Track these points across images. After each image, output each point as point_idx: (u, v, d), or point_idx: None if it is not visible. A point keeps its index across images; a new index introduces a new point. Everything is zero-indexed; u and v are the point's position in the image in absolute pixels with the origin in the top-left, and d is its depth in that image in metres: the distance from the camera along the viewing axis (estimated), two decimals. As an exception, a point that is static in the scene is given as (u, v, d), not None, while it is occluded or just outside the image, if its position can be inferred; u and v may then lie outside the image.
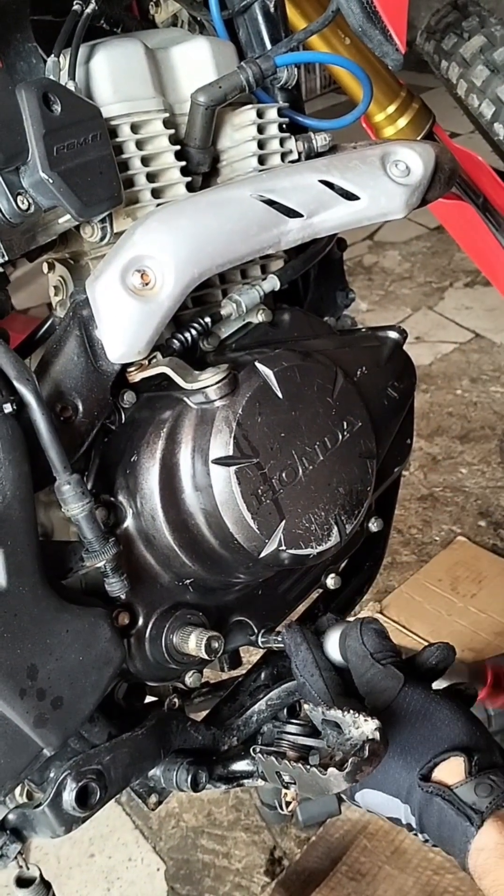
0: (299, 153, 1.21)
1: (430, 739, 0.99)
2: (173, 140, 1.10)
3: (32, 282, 3.72)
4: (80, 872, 2.05)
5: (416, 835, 1.01)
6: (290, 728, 1.06)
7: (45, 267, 1.21)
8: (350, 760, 0.88)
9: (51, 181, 0.92)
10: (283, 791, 1.03)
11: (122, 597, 1.01)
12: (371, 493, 1.16)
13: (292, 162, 1.20)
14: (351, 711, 0.92)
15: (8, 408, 0.89)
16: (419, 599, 2.54)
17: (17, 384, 0.90)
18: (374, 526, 1.31)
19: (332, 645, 1.10)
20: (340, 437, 1.11)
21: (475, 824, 0.92)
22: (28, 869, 1.01)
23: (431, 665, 1.12)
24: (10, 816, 0.99)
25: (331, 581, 1.29)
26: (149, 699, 1.18)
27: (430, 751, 0.98)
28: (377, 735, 0.89)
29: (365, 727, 0.91)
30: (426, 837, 0.99)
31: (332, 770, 0.89)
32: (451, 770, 0.97)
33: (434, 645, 1.15)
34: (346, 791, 1.00)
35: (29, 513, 0.90)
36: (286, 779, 1.00)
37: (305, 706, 1.03)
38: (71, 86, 0.99)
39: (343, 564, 1.36)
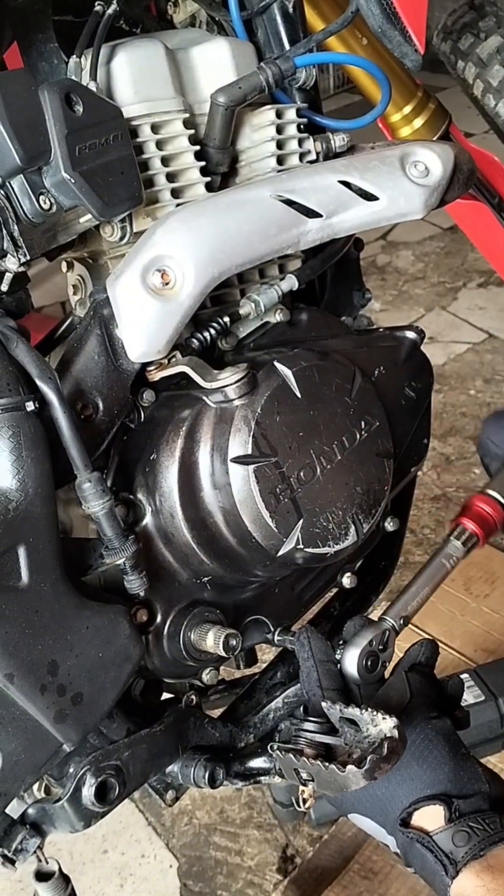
0: (317, 153, 1.22)
1: (416, 781, 1.01)
2: (193, 140, 1.11)
3: (47, 280, 3.73)
4: (94, 868, 2.06)
5: (405, 866, 1.04)
6: (308, 725, 1.07)
7: (63, 266, 1.22)
8: (368, 758, 0.89)
9: (73, 181, 0.93)
10: (301, 788, 1.03)
11: (141, 594, 1.02)
12: (388, 493, 1.17)
13: (311, 162, 1.20)
14: (369, 709, 0.93)
15: (30, 406, 0.90)
16: (432, 599, 2.53)
17: (39, 382, 0.91)
18: (390, 525, 1.31)
19: (352, 658, 1.12)
20: (358, 436, 1.11)
21: (450, 875, 0.94)
22: (47, 863, 1.02)
23: (420, 661, 1.18)
24: (30, 811, 0.99)
25: (347, 580, 1.29)
26: (165, 696, 1.19)
27: (413, 793, 1.00)
28: (395, 733, 0.89)
29: (383, 725, 0.91)
30: (415, 871, 1.02)
31: (350, 767, 0.90)
32: (432, 815, 0.98)
33: (418, 643, 1.20)
34: (343, 807, 1.05)
35: (50, 510, 0.91)
36: (304, 776, 1.00)
37: (323, 704, 1.03)
38: (92, 86, 1.00)
39: (359, 563, 1.36)
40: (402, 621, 1.23)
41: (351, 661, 1.11)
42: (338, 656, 1.12)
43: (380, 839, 1.05)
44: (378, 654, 1.14)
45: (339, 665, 1.11)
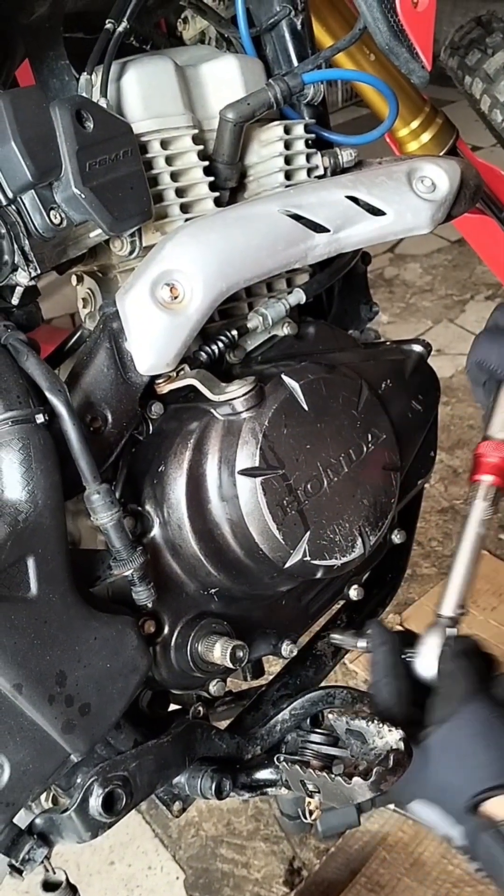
0: (325, 168, 1.23)
1: (487, 768, 0.97)
2: (202, 156, 1.12)
3: (55, 292, 3.75)
4: (100, 880, 2.06)
5: (469, 860, 1.00)
6: (314, 737, 1.07)
7: (73, 279, 1.23)
8: (375, 770, 0.89)
9: (83, 196, 0.94)
10: (307, 800, 1.04)
11: (149, 605, 1.02)
12: (395, 505, 1.17)
13: (318, 177, 1.21)
14: (375, 721, 0.93)
15: (40, 418, 0.91)
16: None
17: (48, 395, 0.92)
18: (397, 538, 1.32)
19: (431, 665, 1.10)
20: (365, 449, 1.12)
21: None
22: (54, 873, 1.02)
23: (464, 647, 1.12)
24: (38, 821, 1.00)
25: (354, 592, 1.29)
26: (172, 707, 1.19)
27: (485, 780, 0.96)
28: (401, 745, 0.90)
29: (389, 737, 0.92)
30: (479, 866, 0.98)
31: (356, 779, 0.90)
32: (502, 805, 0.95)
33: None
34: (405, 794, 1.01)
35: (59, 521, 0.92)
36: (310, 787, 1.01)
37: (329, 715, 1.04)
38: (103, 103, 1.01)
39: (366, 576, 1.37)
40: (460, 611, 1.15)
41: (430, 667, 1.10)
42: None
43: (441, 831, 1.01)
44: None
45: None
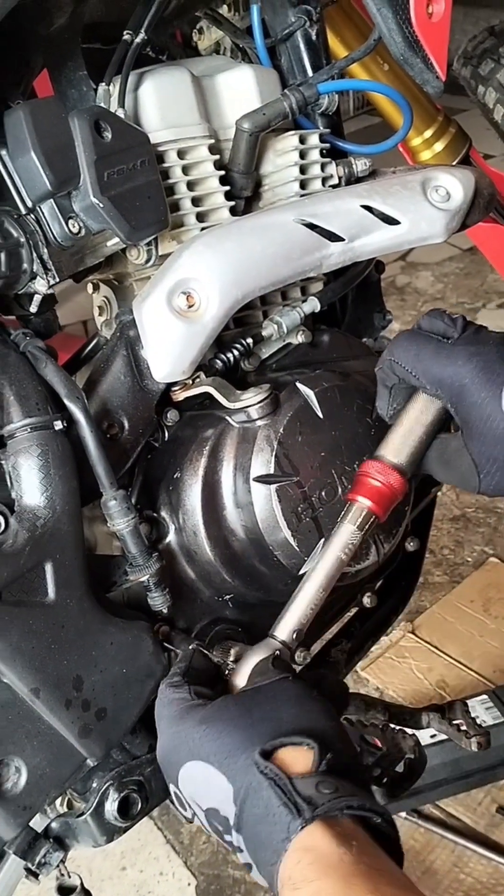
0: (340, 178, 1.23)
1: (286, 721, 0.84)
2: (218, 165, 1.13)
3: (69, 300, 3.77)
4: (112, 885, 2.06)
5: (228, 843, 0.83)
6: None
7: (90, 288, 1.24)
8: (388, 775, 0.89)
9: (101, 205, 0.95)
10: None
11: (164, 611, 1.03)
12: (409, 513, 1.18)
13: (333, 187, 1.22)
14: (389, 727, 0.93)
15: (59, 425, 0.92)
16: (451, 620, 2.54)
17: (67, 402, 0.93)
18: (410, 545, 1.32)
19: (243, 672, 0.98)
20: (380, 457, 1.12)
21: (303, 817, 0.74)
22: (69, 877, 1.03)
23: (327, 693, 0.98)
24: (54, 825, 1.00)
25: (367, 599, 1.30)
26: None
27: (282, 729, 0.83)
28: (416, 751, 0.90)
29: (403, 744, 0.92)
30: (238, 844, 0.81)
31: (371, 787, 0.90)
32: (298, 759, 0.81)
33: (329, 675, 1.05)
34: (174, 759, 0.87)
35: (77, 527, 0.93)
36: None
37: (343, 721, 1.04)
38: (120, 113, 1.02)
39: (379, 583, 1.37)
40: (294, 636, 1.00)
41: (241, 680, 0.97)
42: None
43: (207, 802, 0.84)
44: None
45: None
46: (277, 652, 0.97)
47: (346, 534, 1.00)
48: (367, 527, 1.01)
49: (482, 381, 0.96)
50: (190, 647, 1.00)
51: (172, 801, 0.93)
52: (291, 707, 0.86)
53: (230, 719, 0.84)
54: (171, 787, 0.90)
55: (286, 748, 0.81)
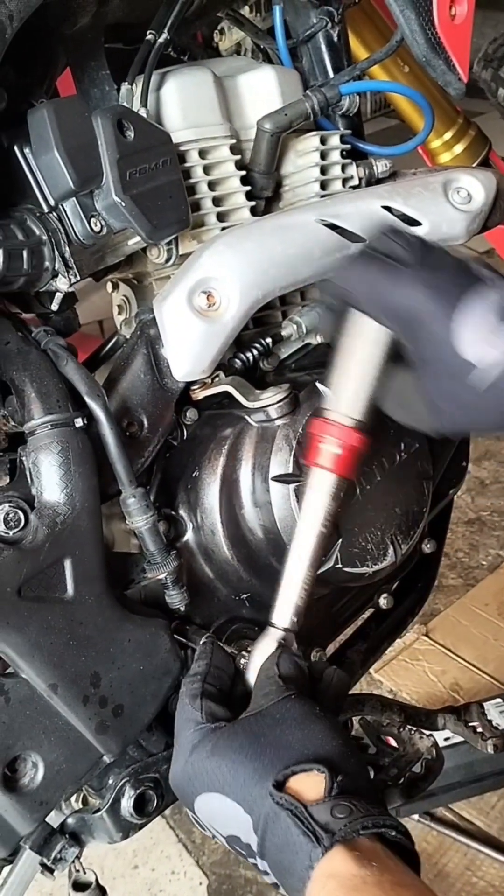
0: (360, 179, 1.23)
1: (296, 747, 0.85)
2: (239, 165, 1.13)
3: (84, 300, 3.77)
4: (124, 883, 2.06)
5: (254, 864, 0.85)
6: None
7: (109, 286, 1.24)
8: (405, 776, 0.89)
9: (123, 204, 0.95)
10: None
11: (182, 609, 1.04)
12: (427, 514, 1.18)
13: (353, 187, 1.22)
14: (406, 728, 0.93)
15: (79, 422, 0.92)
16: (465, 623, 2.54)
17: (87, 399, 0.93)
18: (427, 547, 1.32)
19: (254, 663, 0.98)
20: (398, 457, 1.12)
21: (323, 845, 0.76)
22: (84, 873, 1.03)
23: (329, 685, 0.99)
24: (70, 821, 1.01)
25: (383, 601, 1.30)
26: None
27: (292, 757, 0.84)
28: (433, 752, 0.90)
29: (420, 744, 0.92)
30: (264, 868, 0.83)
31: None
32: (311, 786, 0.82)
33: (333, 667, 1.03)
34: (189, 791, 0.88)
35: (96, 524, 0.93)
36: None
37: (360, 722, 1.04)
38: (143, 112, 1.03)
39: (395, 584, 1.37)
40: (294, 620, 0.99)
41: (255, 670, 0.97)
42: None
43: (228, 830, 0.86)
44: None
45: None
46: (283, 641, 0.96)
47: (320, 506, 0.95)
48: (340, 494, 0.96)
49: (435, 312, 0.89)
50: (207, 642, 0.99)
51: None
52: (297, 730, 0.86)
53: (240, 749, 0.85)
54: (188, 811, 0.91)
55: (298, 775, 0.82)
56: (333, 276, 0.94)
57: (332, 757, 0.83)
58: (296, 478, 1.03)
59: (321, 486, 0.95)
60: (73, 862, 1.01)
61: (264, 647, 0.97)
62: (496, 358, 0.86)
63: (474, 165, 1.81)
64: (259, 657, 0.96)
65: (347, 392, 0.94)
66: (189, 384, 1.07)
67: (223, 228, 1.11)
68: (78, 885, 1.03)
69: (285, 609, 0.98)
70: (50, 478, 0.90)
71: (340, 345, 0.95)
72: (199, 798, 0.87)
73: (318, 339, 1.19)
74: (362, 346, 0.93)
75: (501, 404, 0.89)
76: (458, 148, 1.79)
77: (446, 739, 1.95)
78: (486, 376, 0.86)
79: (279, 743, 0.85)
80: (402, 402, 0.97)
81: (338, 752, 0.84)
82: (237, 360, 1.11)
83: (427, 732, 0.93)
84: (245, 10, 1.34)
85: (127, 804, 1.00)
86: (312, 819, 0.78)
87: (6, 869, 1.05)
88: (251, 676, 0.96)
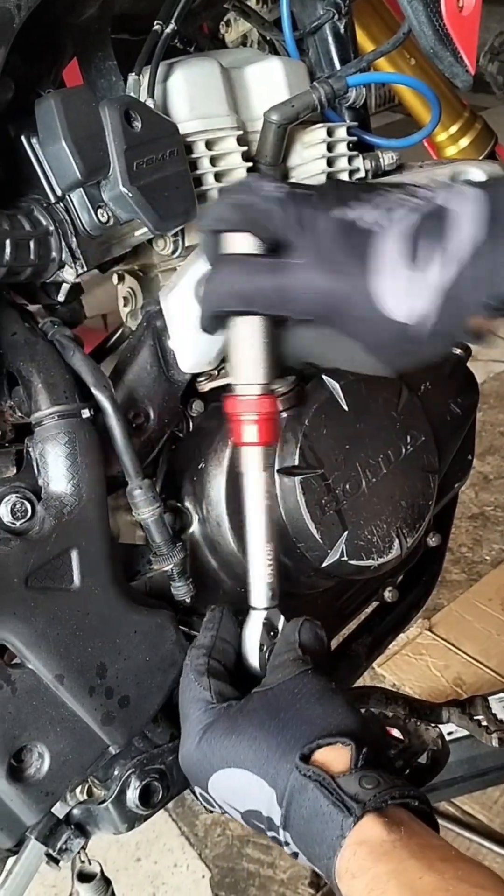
0: (367, 171, 1.23)
1: (318, 722, 0.86)
2: (246, 157, 1.13)
3: (87, 293, 3.77)
4: (126, 876, 2.07)
5: (273, 837, 0.87)
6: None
7: (115, 278, 1.24)
8: (411, 767, 0.89)
9: (130, 195, 0.95)
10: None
11: (188, 600, 1.03)
12: (432, 508, 1.18)
13: (360, 180, 1.22)
14: (412, 720, 0.93)
15: (86, 413, 0.92)
16: (469, 618, 2.54)
17: (94, 390, 0.93)
18: (432, 541, 1.32)
19: (253, 651, 0.99)
20: (404, 450, 1.12)
21: (354, 814, 0.78)
22: (90, 864, 1.03)
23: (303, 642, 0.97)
24: (75, 811, 1.01)
25: (388, 594, 1.30)
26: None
27: (315, 731, 0.85)
28: (439, 743, 0.90)
29: (426, 735, 0.92)
30: (286, 839, 0.85)
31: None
32: (336, 758, 0.84)
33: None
34: (205, 768, 0.89)
35: (103, 515, 0.93)
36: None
37: (365, 714, 1.04)
38: (150, 103, 1.02)
39: (400, 578, 1.37)
40: (271, 597, 0.98)
41: (253, 653, 0.98)
42: None
43: (246, 805, 0.87)
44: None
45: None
46: (266, 620, 0.97)
47: (258, 481, 0.96)
48: (270, 463, 0.97)
49: (350, 295, 0.85)
50: (215, 609, 0.99)
51: (195, 795, 0.94)
52: (317, 705, 0.88)
53: (260, 725, 0.86)
54: (197, 790, 0.92)
55: (322, 749, 0.84)
56: (209, 296, 0.91)
57: (355, 731, 0.85)
58: (301, 470, 1.03)
59: (252, 462, 0.95)
60: (79, 853, 1.01)
61: (251, 630, 0.98)
62: (424, 308, 0.83)
63: (480, 158, 1.80)
64: (250, 641, 0.98)
65: (242, 364, 0.93)
66: (195, 376, 1.06)
67: (230, 220, 1.11)
68: (83, 876, 1.03)
69: (259, 588, 0.98)
70: (57, 468, 0.90)
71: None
72: (216, 775, 0.88)
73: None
74: (241, 320, 0.92)
75: (445, 342, 0.88)
76: (464, 141, 1.79)
77: (449, 734, 1.94)
78: (422, 329, 0.84)
79: (300, 718, 0.86)
80: (348, 357, 0.94)
81: (359, 727, 0.86)
82: (243, 353, 1.10)
83: (433, 724, 0.93)
84: (252, 2, 1.33)
85: (132, 795, 1.00)
86: (342, 790, 0.80)
87: (10, 860, 1.06)
88: (250, 658, 0.97)
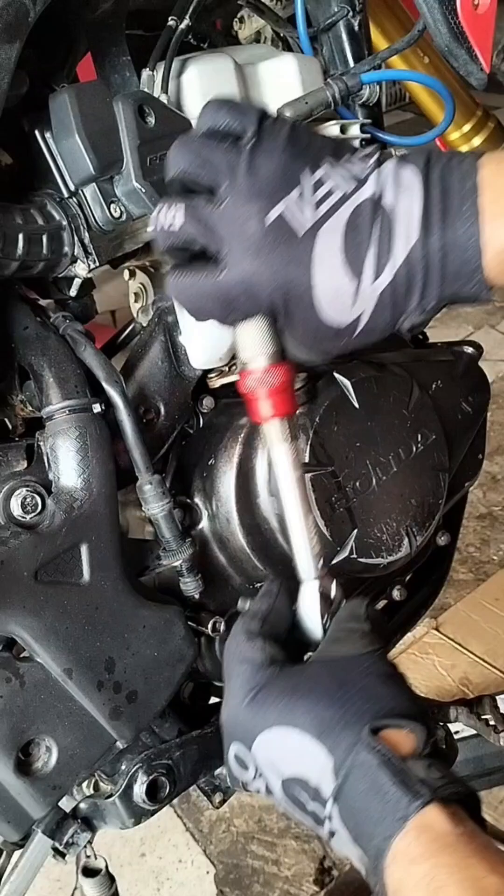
0: (379, 169, 1.23)
1: (386, 702, 0.83)
2: (259, 153, 1.13)
3: (97, 290, 3.78)
4: (131, 871, 2.07)
5: (311, 812, 0.83)
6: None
7: (126, 274, 1.24)
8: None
9: (143, 191, 0.95)
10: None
11: (196, 596, 1.04)
12: (442, 506, 1.17)
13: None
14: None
15: (97, 408, 0.92)
16: (476, 618, 2.53)
17: (105, 385, 0.93)
18: (441, 540, 1.32)
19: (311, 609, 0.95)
20: (414, 448, 1.12)
21: (423, 798, 0.76)
22: (95, 859, 1.03)
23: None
24: (82, 806, 1.01)
25: (397, 592, 1.30)
26: (213, 700, 1.20)
27: (383, 710, 0.82)
28: (446, 742, 0.90)
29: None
30: (329, 814, 0.81)
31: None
32: (400, 741, 0.81)
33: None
34: (249, 732, 0.85)
35: (113, 510, 0.94)
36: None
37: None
38: (164, 98, 1.02)
39: (409, 576, 1.37)
40: (321, 566, 0.95)
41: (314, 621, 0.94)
42: None
43: (294, 771, 0.83)
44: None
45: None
46: (322, 589, 0.93)
47: (284, 454, 0.92)
48: (293, 433, 0.92)
49: (298, 295, 0.82)
50: (275, 581, 0.94)
51: (225, 760, 0.88)
52: (385, 686, 0.85)
53: (325, 692, 0.83)
54: (233, 749, 0.88)
55: (389, 729, 0.81)
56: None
57: (422, 718, 0.83)
58: (312, 467, 1.03)
59: (275, 435, 0.91)
60: (85, 847, 1.01)
61: (310, 600, 0.93)
62: (357, 312, 0.82)
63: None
64: (310, 610, 0.93)
65: (247, 341, 0.89)
66: (206, 372, 1.07)
67: (242, 216, 1.11)
68: (88, 871, 1.03)
69: (306, 560, 0.94)
70: (67, 463, 0.90)
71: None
72: (267, 732, 0.84)
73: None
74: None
75: (375, 337, 0.86)
76: (477, 140, 1.79)
77: (455, 733, 1.94)
78: (354, 329, 0.83)
79: (368, 693, 0.84)
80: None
81: (424, 716, 0.84)
82: (254, 349, 1.10)
83: (440, 723, 0.93)
84: (266, -2, 1.33)
85: (139, 790, 1.01)
86: (409, 772, 0.78)
87: (17, 853, 1.06)
88: (310, 626, 0.93)
